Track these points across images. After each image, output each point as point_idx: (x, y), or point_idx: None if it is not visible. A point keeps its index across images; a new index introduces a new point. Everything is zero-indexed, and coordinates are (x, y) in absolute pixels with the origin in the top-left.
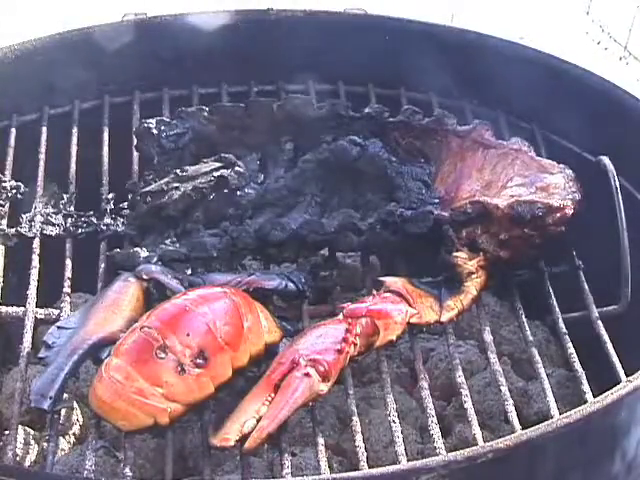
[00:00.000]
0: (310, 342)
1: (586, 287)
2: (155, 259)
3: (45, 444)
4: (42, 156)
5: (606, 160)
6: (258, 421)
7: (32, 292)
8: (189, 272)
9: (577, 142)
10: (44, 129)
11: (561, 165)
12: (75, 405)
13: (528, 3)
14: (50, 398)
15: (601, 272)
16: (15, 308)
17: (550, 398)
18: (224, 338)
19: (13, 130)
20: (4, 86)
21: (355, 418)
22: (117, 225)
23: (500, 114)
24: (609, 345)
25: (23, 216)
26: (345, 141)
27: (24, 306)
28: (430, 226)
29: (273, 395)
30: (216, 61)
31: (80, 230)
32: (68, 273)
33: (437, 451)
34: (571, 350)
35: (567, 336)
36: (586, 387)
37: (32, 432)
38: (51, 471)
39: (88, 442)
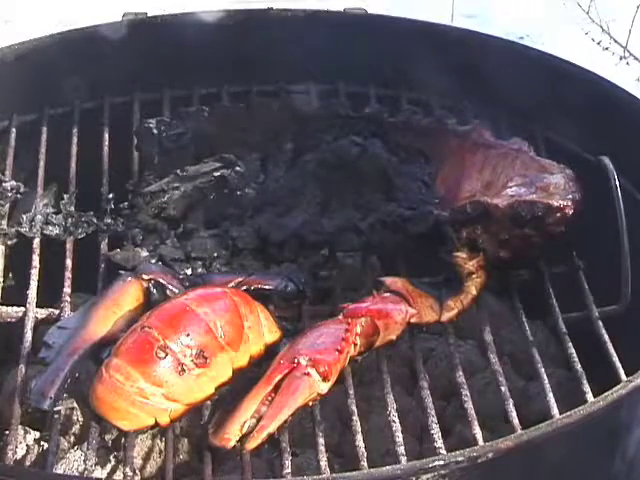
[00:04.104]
0: (310, 342)
1: (586, 287)
2: (155, 259)
3: (45, 444)
4: (42, 156)
5: (606, 160)
6: (258, 421)
7: (32, 292)
8: (189, 272)
9: (577, 142)
10: (44, 129)
11: (561, 165)
12: (75, 405)
13: (528, 3)
14: (50, 398)
15: (601, 272)
16: (15, 308)
17: (550, 398)
18: (224, 338)
19: (13, 130)
20: (4, 86)
21: (355, 418)
22: (117, 225)
23: (500, 114)
24: (609, 345)
25: (23, 216)
26: (345, 141)
27: (24, 306)
28: (430, 226)
29: (273, 395)
30: (216, 61)
31: (80, 230)
32: (68, 273)
33: (437, 451)
34: (571, 350)
35: (567, 336)
36: (586, 387)
37: (32, 432)
38: (51, 471)
39: (88, 442)
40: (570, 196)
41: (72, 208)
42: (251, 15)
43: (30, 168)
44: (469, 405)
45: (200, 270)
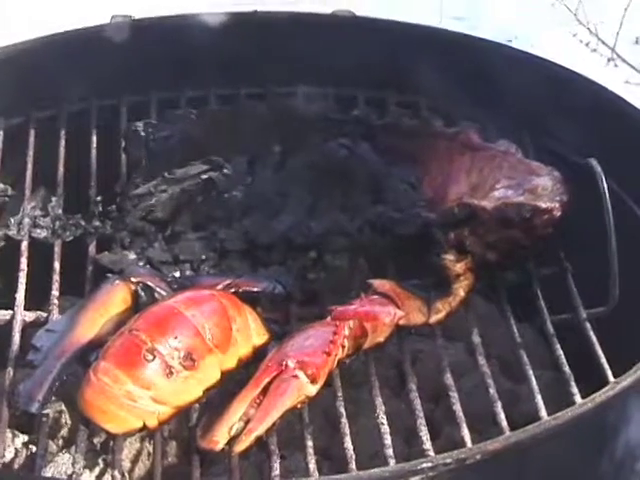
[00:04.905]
0: (298, 344)
1: (574, 289)
2: (143, 262)
3: (33, 447)
4: (30, 159)
5: (594, 162)
6: (246, 424)
7: (20, 295)
8: (177, 274)
9: (565, 144)
10: (32, 132)
11: (549, 167)
12: (63, 408)
13: (517, 5)
14: (38, 401)
15: (589, 273)
16: (3, 311)
17: (538, 400)
18: (212, 340)
19: (0, 133)
20: None
21: (344, 420)
22: (105, 228)
23: (488, 116)
24: (597, 346)
25: (11, 219)
26: (333, 143)
27: (12, 309)
28: (418, 228)
29: (262, 398)
30: (204, 64)
31: (68, 233)
32: (56, 276)
33: (426, 453)
34: (559, 352)
35: (555, 338)
36: (574, 388)
37: (21, 435)
38: (40, 474)
39: (77, 445)
40: (558, 198)
41: (60, 211)
42: (238, 18)
43: (18, 171)
44: (457, 407)
45: (188, 273)
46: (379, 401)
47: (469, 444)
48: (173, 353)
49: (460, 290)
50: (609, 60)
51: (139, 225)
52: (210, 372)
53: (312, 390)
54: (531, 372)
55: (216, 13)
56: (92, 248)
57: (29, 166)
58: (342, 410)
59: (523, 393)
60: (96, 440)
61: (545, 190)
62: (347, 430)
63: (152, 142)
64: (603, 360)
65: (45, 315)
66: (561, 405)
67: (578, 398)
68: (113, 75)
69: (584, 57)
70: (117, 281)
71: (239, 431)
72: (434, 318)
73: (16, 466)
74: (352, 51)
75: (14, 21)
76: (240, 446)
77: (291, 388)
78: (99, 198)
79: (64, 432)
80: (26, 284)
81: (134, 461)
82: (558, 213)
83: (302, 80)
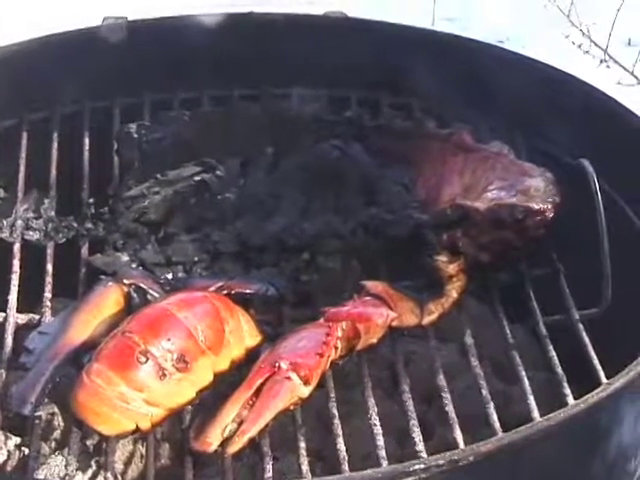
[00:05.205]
0: (291, 346)
1: (567, 290)
2: (136, 264)
3: (26, 449)
4: (22, 161)
5: (586, 163)
6: (239, 425)
7: (13, 297)
8: (170, 276)
9: (558, 145)
10: (24, 134)
11: (541, 168)
12: (56, 410)
13: (509, 6)
14: (31, 403)
15: (582, 274)
16: None
17: (531, 401)
18: (205, 342)
19: None
20: None
21: (336, 421)
22: (98, 230)
23: (481, 117)
24: (589, 347)
25: (4, 221)
26: (326, 145)
27: (4, 311)
28: (411, 230)
29: (254, 399)
30: (197, 65)
31: (61, 235)
32: (49, 278)
33: (418, 454)
34: (552, 353)
35: (548, 339)
36: (567, 390)
37: (13, 438)
38: (32, 476)
39: (69, 447)
40: (550, 199)
41: (52, 213)
42: (232, 19)
43: (10, 173)
44: (450, 408)
45: (181, 274)
46: (372, 402)
47: (462, 445)
48: (166, 355)
49: (453, 291)
50: (601, 61)
51: (132, 227)
52: (203, 374)
53: (305, 391)
54: (524, 373)
55: (209, 14)
56: (85, 250)
57: (22, 168)
58: (335, 411)
59: (516, 394)
60: (89, 442)
61: (537, 191)
62: (340, 431)
63: (145, 144)
64: (596, 361)
65: (38, 317)
66: (554, 406)
67: (571, 399)
68: (106, 77)
69: (576, 58)
70: (110, 283)
71: (232, 433)
72: (427, 319)
73: (9, 468)
74: (345, 52)
75: (7, 22)
76: (233, 448)
77: (284, 389)
78: (92, 200)
79: (57, 434)
80: (18, 286)
81: (127, 463)
82: (550, 214)
83: (295, 81)
